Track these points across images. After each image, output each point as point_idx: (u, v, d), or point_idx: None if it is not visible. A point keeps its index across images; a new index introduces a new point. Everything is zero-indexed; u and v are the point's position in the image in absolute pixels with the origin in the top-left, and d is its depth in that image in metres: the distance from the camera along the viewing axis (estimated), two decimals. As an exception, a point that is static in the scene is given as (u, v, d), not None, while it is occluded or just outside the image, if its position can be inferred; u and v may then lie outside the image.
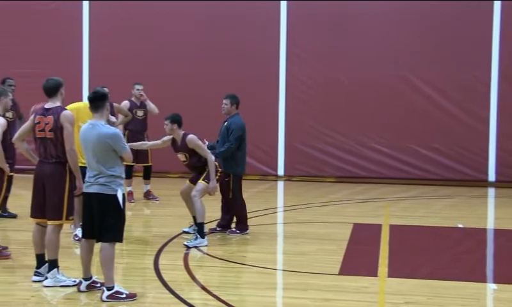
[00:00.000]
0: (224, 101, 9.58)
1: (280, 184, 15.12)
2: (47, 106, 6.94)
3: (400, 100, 15.01)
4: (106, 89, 7.55)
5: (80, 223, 7.97)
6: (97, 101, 6.57)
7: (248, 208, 9.72)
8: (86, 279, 6.75)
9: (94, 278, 6.81)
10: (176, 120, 8.96)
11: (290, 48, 15.26)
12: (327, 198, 13.20)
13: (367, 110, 15.11)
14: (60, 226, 6.95)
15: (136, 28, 15.53)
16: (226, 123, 9.53)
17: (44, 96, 7.01)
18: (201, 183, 9.03)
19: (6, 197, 8.74)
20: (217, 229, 9.67)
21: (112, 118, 7.11)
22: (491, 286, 7.38)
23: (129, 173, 11.77)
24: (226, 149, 9.32)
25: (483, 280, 7.77)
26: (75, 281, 6.91)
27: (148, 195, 12.40)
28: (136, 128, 11.95)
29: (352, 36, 15.17)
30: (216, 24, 15.43)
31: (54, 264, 6.91)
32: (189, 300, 6.54)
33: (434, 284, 7.23)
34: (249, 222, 9.77)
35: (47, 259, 7.00)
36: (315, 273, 7.61)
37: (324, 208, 12.08)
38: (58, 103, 6.95)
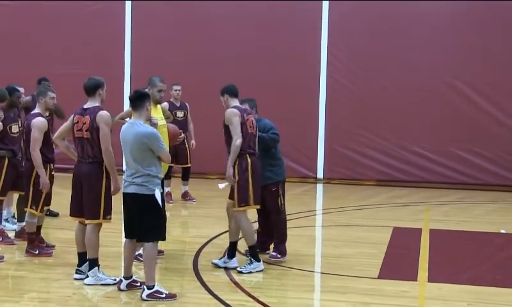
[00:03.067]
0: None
1: (319, 187, 15.07)
2: (85, 106, 7.02)
3: (442, 103, 14.83)
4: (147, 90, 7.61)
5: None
6: (136, 100, 6.64)
7: (287, 210, 9.37)
8: (126, 278, 6.81)
9: (134, 277, 6.87)
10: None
11: (331, 50, 15.18)
12: (367, 201, 13.11)
13: (408, 114, 14.96)
14: (99, 225, 7.02)
15: (178, 29, 15.60)
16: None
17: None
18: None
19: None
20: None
21: (154, 119, 7.14)
22: (535, 293, 7.25)
23: (168, 173, 11.83)
24: (273, 136, 8.10)
25: (526, 287, 7.63)
26: (115, 280, 6.98)
27: (185, 196, 12.45)
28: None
29: (393, 38, 15.03)
30: (257, 26, 15.44)
31: (94, 263, 6.98)
32: (228, 301, 6.56)
33: (476, 290, 7.12)
34: (288, 224, 9.57)
35: (87, 257, 7.08)
36: (354, 276, 7.57)
37: (363, 211, 12.00)
38: (97, 104, 7.00)
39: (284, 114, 14.80)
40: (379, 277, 7.56)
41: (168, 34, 15.66)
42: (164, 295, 6.55)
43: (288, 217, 9.02)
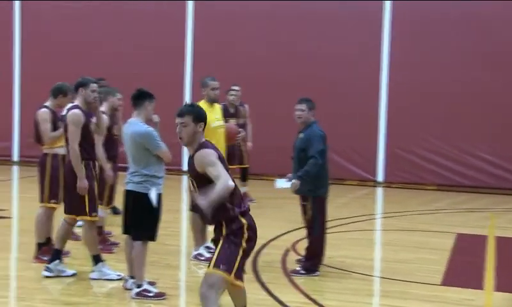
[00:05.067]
0: (299, 106, 7.62)
1: (379, 190, 14.85)
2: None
3: (507, 107, 14.42)
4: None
5: (202, 243, 8.06)
6: (136, 99, 6.58)
7: (346, 213, 9.21)
8: (132, 277, 6.75)
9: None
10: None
11: (393, 52, 14.95)
12: (428, 206, 12.85)
13: (472, 117, 14.60)
14: (90, 222, 7.13)
15: (239, 29, 15.60)
16: (301, 135, 7.63)
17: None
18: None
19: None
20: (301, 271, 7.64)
21: (155, 117, 6.98)
22: None
23: (244, 175, 12.12)
24: (311, 167, 7.38)
25: None
26: (119, 275, 7.10)
27: (244, 197, 12.40)
28: None
29: (456, 39, 14.70)
30: (316, 25, 15.31)
31: (97, 258, 7.19)
32: (287, 303, 6.48)
33: (544, 300, 6.87)
34: (348, 227, 9.52)
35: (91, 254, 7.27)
36: (416, 282, 7.39)
37: (425, 216, 11.75)
38: (76, 102, 7.11)
39: (343, 116, 14.68)
40: (442, 284, 7.36)
41: (229, 34, 15.64)
42: (152, 294, 6.52)
43: (347, 221, 8.78)
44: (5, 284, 7.13)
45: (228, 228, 4.97)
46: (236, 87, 12.11)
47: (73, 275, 7.24)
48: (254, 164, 12.67)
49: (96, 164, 7.37)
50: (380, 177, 15.18)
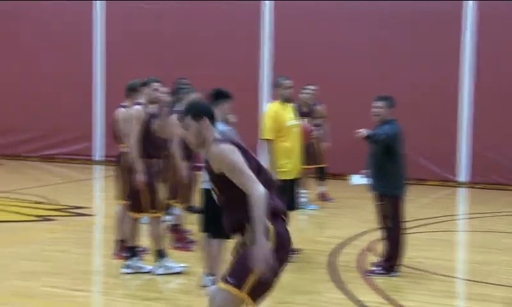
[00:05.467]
0: (376, 104, 7.48)
1: (462, 191, 14.46)
2: None
3: None
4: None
5: None
6: (213, 99, 6.56)
7: (427, 214, 9.06)
8: (210, 274, 6.72)
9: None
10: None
11: (478, 52, 14.53)
12: (513, 208, 12.44)
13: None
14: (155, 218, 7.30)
15: (317, 27, 15.48)
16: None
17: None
18: None
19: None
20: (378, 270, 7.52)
21: (232, 117, 7.02)
22: None
23: (321, 174, 12.13)
24: (380, 136, 7.32)
25: None
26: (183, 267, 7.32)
27: (323, 197, 12.32)
28: None
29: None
30: (394, 26, 15.06)
31: (161, 253, 7.35)
32: (364, 302, 6.40)
33: None
34: (429, 228, 9.32)
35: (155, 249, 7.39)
36: (499, 285, 7.15)
37: (509, 218, 11.35)
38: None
39: (423, 116, 14.40)
40: (527, 287, 7.10)
41: (307, 32, 15.55)
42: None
43: (429, 221, 8.59)
44: (88, 279, 7.32)
45: (250, 234, 4.09)
46: (311, 87, 12.01)
47: (150, 272, 7.35)
48: (333, 164, 12.55)
49: (160, 162, 7.42)
50: (462, 177, 14.78)
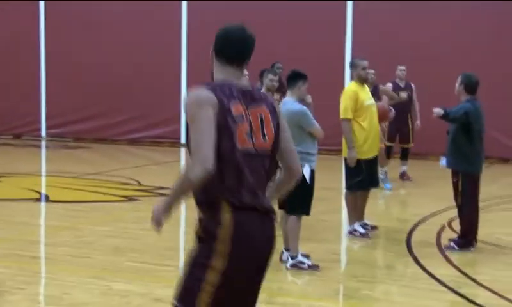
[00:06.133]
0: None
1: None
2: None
3: None
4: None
5: (357, 220, 8.21)
6: (290, 80, 6.86)
7: (509, 192, 8.84)
8: (287, 249, 6.93)
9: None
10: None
11: None
12: None
13: None
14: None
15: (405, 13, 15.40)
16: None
17: None
18: None
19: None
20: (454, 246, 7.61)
21: (308, 98, 7.23)
22: None
23: (404, 153, 12.22)
24: (453, 114, 7.47)
25: None
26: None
27: (403, 176, 12.35)
28: (399, 108, 11.68)
29: None
30: (473, 18, 14.81)
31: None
32: (438, 276, 6.55)
33: None
34: (508, 205, 9.27)
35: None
36: None
37: None
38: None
39: (508, 95, 14.20)
40: None
41: (390, 24, 15.46)
42: (306, 265, 6.73)
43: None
44: (173, 255, 7.69)
45: (201, 224, 3.24)
46: (401, 67, 12.11)
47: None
48: (416, 144, 12.54)
49: None
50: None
